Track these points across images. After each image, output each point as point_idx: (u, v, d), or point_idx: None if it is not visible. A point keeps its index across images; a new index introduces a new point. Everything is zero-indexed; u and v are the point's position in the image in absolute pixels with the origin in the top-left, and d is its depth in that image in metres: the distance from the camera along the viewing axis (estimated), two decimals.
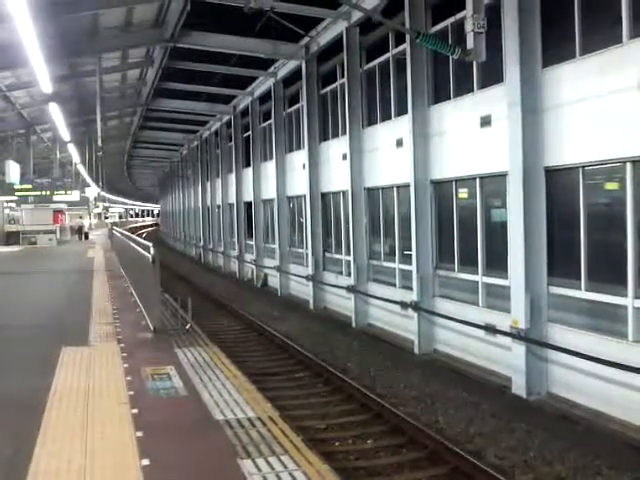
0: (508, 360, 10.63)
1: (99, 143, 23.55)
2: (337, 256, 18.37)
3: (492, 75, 11.15)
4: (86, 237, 42.81)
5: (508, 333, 10.46)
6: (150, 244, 9.85)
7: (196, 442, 4.94)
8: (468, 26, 9.69)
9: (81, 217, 47.10)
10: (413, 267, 13.42)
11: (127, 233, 20.57)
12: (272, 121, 23.30)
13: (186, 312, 10.18)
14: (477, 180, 11.75)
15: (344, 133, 16.98)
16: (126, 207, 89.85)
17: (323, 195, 19.26)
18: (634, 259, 8.51)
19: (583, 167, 9.33)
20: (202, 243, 39.66)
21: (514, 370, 10.37)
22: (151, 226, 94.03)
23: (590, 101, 9.08)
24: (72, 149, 29.55)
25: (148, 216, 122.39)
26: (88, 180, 39.70)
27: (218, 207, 34.62)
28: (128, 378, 6.76)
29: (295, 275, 21.46)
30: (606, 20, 9.08)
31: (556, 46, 9.87)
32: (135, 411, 5.65)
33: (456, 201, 12.60)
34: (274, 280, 23.69)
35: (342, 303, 17.51)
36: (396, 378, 11.27)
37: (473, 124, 11.64)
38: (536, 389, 10.03)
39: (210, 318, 17.18)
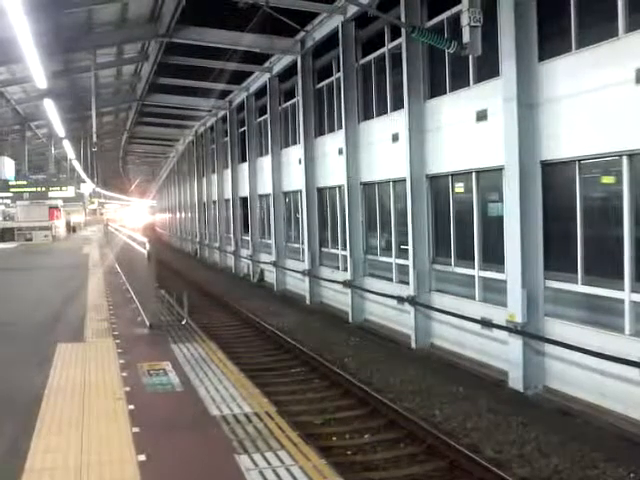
0: (505, 354, 10.64)
1: (94, 139, 23.42)
2: (333, 251, 18.35)
3: (488, 69, 11.12)
4: (74, 230, 44.49)
5: (505, 327, 10.48)
6: (146, 240, 9.83)
7: (193, 438, 4.93)
8: (464, 20, 9.70)
9: (68, 213, 47.69)
10: (410, 261, 13.41)
11: (122, 229, 20.51)
12: (268, 116, 23.23)
13: (182, 308, 10.17)
14: (473, 174, 11.74)
15: (340, 128, 16.93)
16: (122, 203, 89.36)
17: (319, 190, 19.23)
18: (630, 253, 8.52)
19: (579, 161, 9.32)
20: (198, 239, 39.59)
21: (511, 364, 10.38)
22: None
23: (586, 95, 9.06)
24: (67, 145, 29.40)
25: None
26: (83, 176, 39.57)
27: (214, 203, 34.56)
28: (124, 374, 6.74)
29: (291, 270, 21.42)
30: (602, 13, 9.06)
31: (552, 40, 9.85)
32: (131, 407, 5.64)
33: (452, 195, 12.59)
34: (270, 275, 23.66)
35: (339, 298, 17.50)
36: (393, 373, 11.27)
37: (469, 118, 11.62)
38: (533, 383, 10.05)
39: (206, 314, 17.16)
